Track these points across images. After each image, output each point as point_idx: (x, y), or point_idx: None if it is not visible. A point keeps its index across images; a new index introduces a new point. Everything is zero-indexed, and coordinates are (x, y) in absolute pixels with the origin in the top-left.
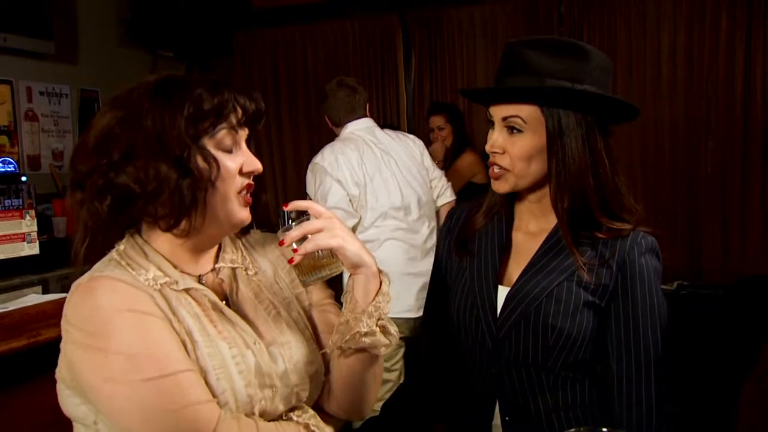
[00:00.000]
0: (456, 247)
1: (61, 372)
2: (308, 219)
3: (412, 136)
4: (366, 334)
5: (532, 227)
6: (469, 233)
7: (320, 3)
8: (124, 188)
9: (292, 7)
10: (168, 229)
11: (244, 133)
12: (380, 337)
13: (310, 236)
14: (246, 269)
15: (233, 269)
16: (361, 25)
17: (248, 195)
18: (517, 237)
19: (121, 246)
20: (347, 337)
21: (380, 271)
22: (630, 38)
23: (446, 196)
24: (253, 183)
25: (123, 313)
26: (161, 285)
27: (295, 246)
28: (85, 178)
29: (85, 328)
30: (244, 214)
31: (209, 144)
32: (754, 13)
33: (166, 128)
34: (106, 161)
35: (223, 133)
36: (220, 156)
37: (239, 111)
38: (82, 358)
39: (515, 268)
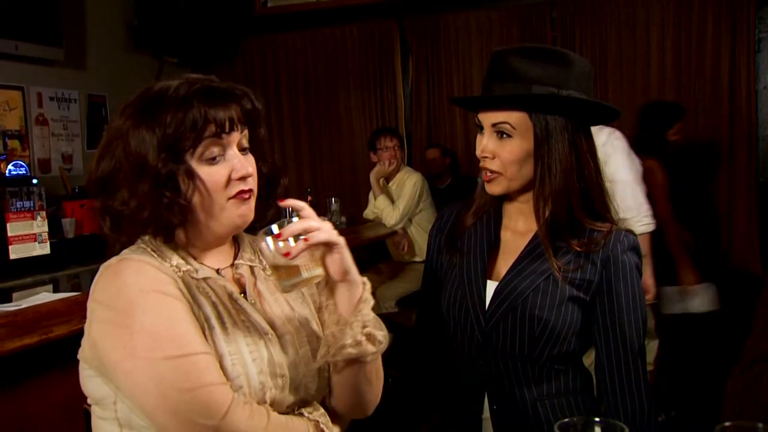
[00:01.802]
0: (446, 245)
1: (83, 352)
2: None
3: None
4: (352, 345)
5: (521, 226)
6: (458, 232)
7: (321, 9)
8: (116, 211)
9: (294, 13)
10: (165, 241)
11: (234, 137)
12: (367, 347)
13: (309, 234)
14: (264, 269)
15: (251, 267)
16: (360, 31)
17: (245, 195)
18: (506, 235)
19: (146, 236)
20: (333, 351)
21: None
22: (620, 41)
23: (640, 225)
24: (248, 188)
25: (148, 293)
26: (183, 272)
27: (292, 243)
28: (93, 195)
29: (112, 305)
30: (241, 213)
31: (192, 159)
32: (737, 16)
33: (146, 153)
34: (102, 186)
35: (204, 145)
36: (204, 169)
37: (212, 124)
38: (107, 334)
39: (503, 264)
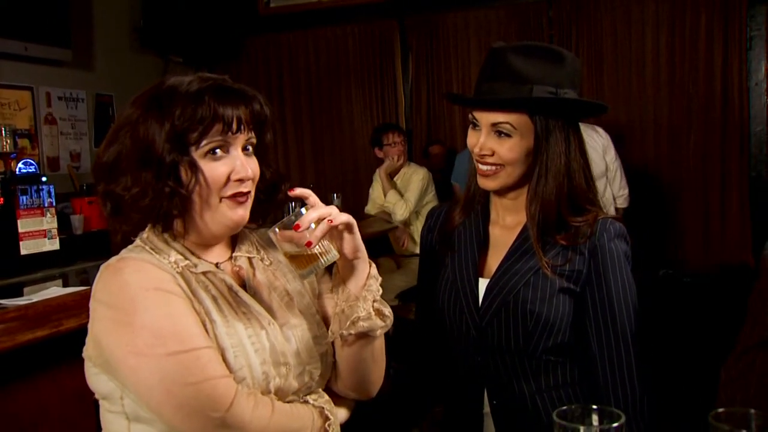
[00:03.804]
0: (437, 244)
1: (88, 351)
2: (302, 213)
3: (599, 129)
4: (364, 318)
5: (509, 221)
6: (448, 230)
7: (323, 9)
8: (118, 196)
9: (297, 13)
10: (163, 230)
11: (239, 138)
12: (376, 320)
13: (329, 217)
14: (261, 259)
15: (249, 259)
16: (361, 30)
17: (241, 198)
18: (494, 231)
19: (144, 234)
20: (347, 324)
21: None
22: (615, 39)
23: (620, 201)
24: (245, 191)
25: (149, 291)
26: (182, 267)
27: (307, 237)
28: (98, 180)
29: (114, 304)
30: (236, 216)
31: (196, 153)
32: (730, 15)
33: (153, 142)
34: (107, 172)
35: (209, 141)
36: (207, 164)
37: (220, 121)
38: (110, 332)
39: (494, 260)
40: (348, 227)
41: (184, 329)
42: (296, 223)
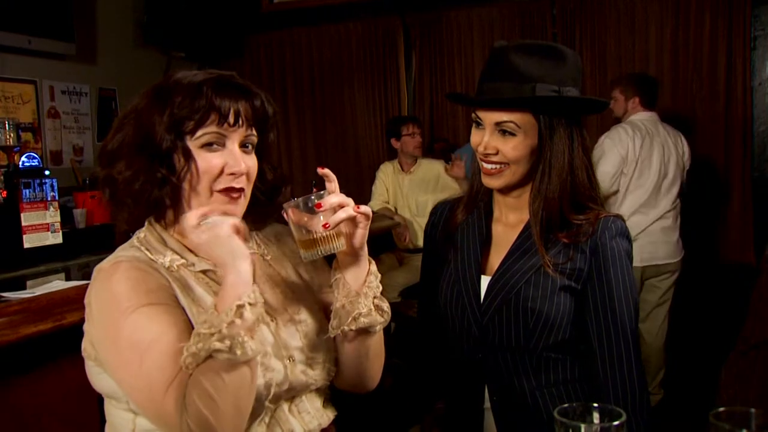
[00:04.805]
0: (440, 240)
1: (87, 350)
2: (321, 195)
3: (681, 135)
4: (365, 314)
5: (511, 219)
6: (452, 227)
7: (326, 6)
8: (113, 179)
9: (299, 10)
10: (157, 220)
11: (237, 133)
12: (376, 316)
13: (352, 206)
14: (263, 255)
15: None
16: (364, 27)
17: (234, 194)
18: (497, 229)
19: (141, 233)
20: (349, 320)
21: None
22: (619, 38)
23: None
24: (238, 187)
25: (135, 310)
26: (178, 266)
27: (323, 219)
28: (102, 166)
29: (104, 311)
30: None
31: (191, 143)
32: (734, 15)
33: (152, 128)
34: (110, 158)
35: (205, 132)
36: (202, 154)
37: (216, 112)
38: (101, 339)
39: (496, 257)
40: (366, 218)
41: (164, 349)
42: (318, 202)
